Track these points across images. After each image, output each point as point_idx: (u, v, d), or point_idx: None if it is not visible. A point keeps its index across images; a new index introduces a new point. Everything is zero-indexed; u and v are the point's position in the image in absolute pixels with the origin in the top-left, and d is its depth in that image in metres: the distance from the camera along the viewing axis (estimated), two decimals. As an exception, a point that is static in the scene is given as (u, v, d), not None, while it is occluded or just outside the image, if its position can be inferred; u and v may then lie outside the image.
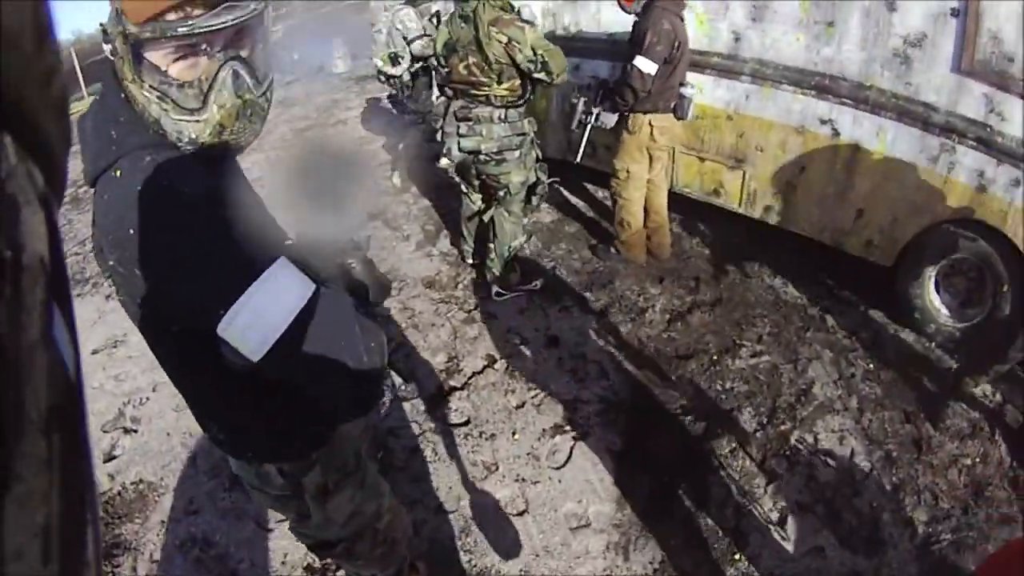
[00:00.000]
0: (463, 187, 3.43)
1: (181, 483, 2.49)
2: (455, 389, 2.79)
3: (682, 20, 3.13)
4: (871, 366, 2.96)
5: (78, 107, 8.80)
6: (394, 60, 4.41)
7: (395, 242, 3.97)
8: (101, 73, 1.02)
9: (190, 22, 0.87)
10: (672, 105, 3.24)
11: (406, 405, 2.72)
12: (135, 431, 2.76)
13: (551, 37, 3.67)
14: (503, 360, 2.94)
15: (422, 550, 2.08)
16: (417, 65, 4.34)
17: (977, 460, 2.62)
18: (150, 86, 0.92)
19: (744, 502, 2.28)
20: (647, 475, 2.39)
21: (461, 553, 2.12)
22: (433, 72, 3.80)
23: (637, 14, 3.17)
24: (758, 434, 2.56)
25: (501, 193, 3.20)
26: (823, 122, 3.19)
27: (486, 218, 3.41)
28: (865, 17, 2.96)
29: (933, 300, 3.23)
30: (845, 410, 2.70)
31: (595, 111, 3.39)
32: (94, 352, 3.29)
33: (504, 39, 2.82)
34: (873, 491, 2.39)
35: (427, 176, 4.60)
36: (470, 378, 2.84)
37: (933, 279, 3.19)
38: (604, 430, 2.57)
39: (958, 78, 2.81)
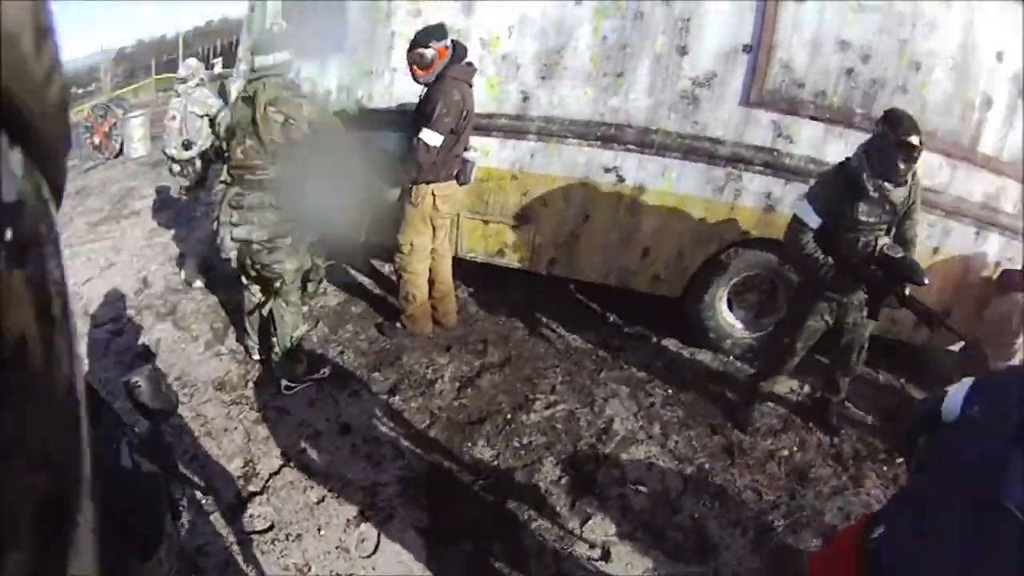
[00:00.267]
0: (243, 279, 3.46)
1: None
2: (255, 494, 2.81)
3: (471, 87, 3.37)
4: (669, 391, 3.40)
5: None
6: (187, 146, 4.46)
7: (184, 344, 3.96)
8: None
9: None
10: (455, 172, 3.44)
11: (211, 519, 2.78)
12: None
13: (343, 112, 3.79)
14: (298, 456, 3.01)
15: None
16: (209, 147, 4.42)
17: (795, 449, 3.12)
18: None
19: (562, 547, 2.51)
20: (459, 545, 2.53)
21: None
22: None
23: (428, 84, 3.35)
24: (563, 480, 2.82)
25: (277, 284, 3.26)
26: (607, 170, 3.61)
27: (265, 311, 3.46)
28: (655, 64, 3.42)
29: (727, 318, 3.79)
30: (649, 438, 3.07)
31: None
32: None
33: (281, 118, 2.95)
34: (692, 504, 2.75)
35: (216, 269, 4.61)
36: (268, 480, 2.88)
37: (725, 299, 3.74)
38: (407, 509, 2.70)
39: (746, 110, 3.39)
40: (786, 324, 3.14)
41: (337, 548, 2.56)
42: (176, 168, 4.61)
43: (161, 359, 3.70)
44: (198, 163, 4.51)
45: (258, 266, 3.25)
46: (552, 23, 3.38)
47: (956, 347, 3.57)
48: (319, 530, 2.64)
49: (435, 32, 3.29)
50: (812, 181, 3.03)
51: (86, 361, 3.60)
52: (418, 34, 3.30)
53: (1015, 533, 1.11)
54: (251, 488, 2.85)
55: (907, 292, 2.74)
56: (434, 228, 3.54)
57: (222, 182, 3.25)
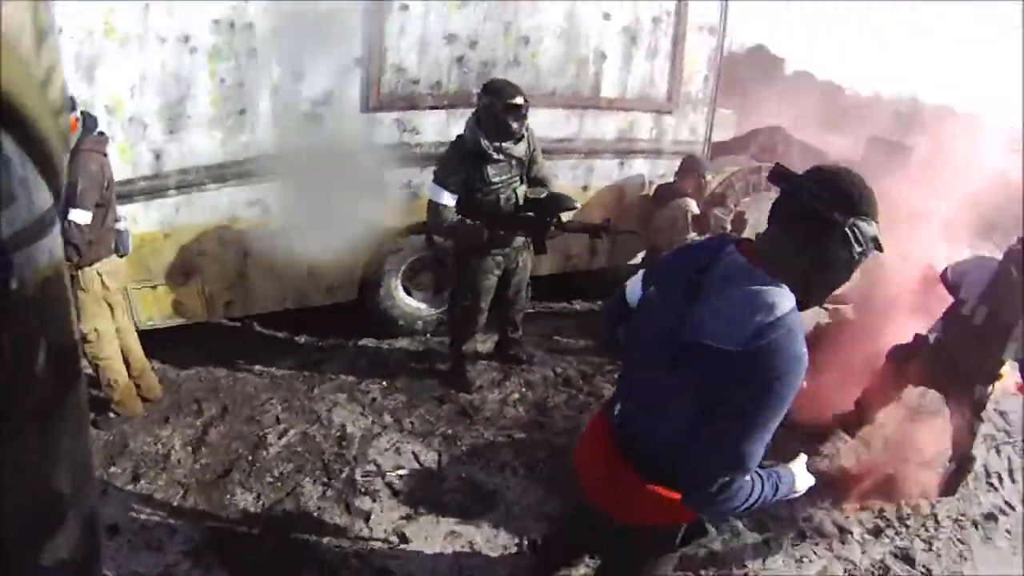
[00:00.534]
0: None
1: None
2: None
3: (106, 156, 3.31)
4: (384, 384, 3.96)
5: None
6: None
7: None
8: None
9: None
10: (113, 245, 3.44)
11: None
12: None
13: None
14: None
15: None
16: None
17: (524, 390, 3.99)
18: None
19: (361, 548, 2.89)
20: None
21: None
22: None
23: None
24: (328, 493, 3.15)
25: None
26: (251, 204, 3.87)
27: None
28: (275, 95, 3.71)
29: (409, 303, 4.46)
30: (385, 428, 3.58)
31: None
32: None
33: None
34: (455, 468, 3.34)
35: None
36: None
37: (400, 287, 4.40)
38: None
39: (368, 116, 3.91)
40: (460, 291, 3.83)
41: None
42: None
43: None
44: None
45: None
46: (171, 76, 3.49)
47: (638, 259, 4.80)
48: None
49: None
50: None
51: None
52: None
53: (696, 374, 1.51)
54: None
55: (563, 220, 3.63)
56: (111, 307, 3.49)
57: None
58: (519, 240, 3.72)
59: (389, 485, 3.26)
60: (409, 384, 4.03)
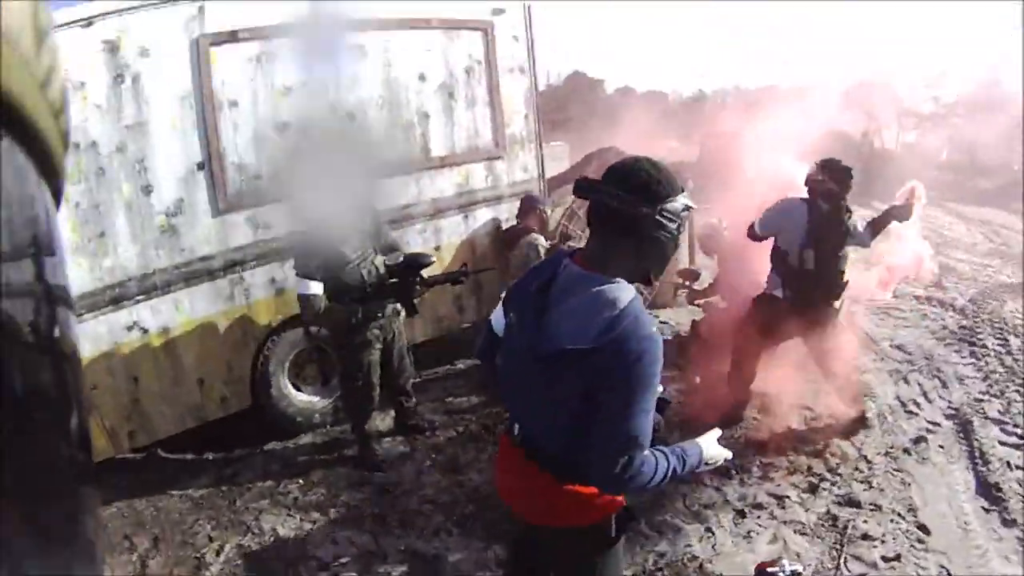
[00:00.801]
0: None
1: None
2: None
3: None
4: (300, 481, 4.27)
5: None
6: None
7: None
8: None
9: None
10: None
11: None
12: None
13: None
14: None
15: None
16: None
17: (434, 456, 4.42)
18: None
19: None
20: None
21: None
22: None
23: None
24: None
25: None
26: (129, 328, 4.06)
27: None
28: (130, 212, 3.95)
29: (301, 398, 4.79)
30: (313, 523, 3.90)
31: None
32: None
33: None
34: (405, 538, 3.72)
35: None
36: None
37: (288, 384, 4.72)
38: None
39: (220, 219, 4.24)
40: (348, 373, 4.17)
41: None
42: None
43: None
44: None
45: None
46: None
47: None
48: None
49: None
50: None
51: None
52: None
53: (568, 378, 1.77)
54: None
55: (425, 277, 4.10)
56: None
57: None
58: (390, 309, 4.16)
59: (336, 576, 3.50)
60: (325, 476, 4.34)
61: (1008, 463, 4.16)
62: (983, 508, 3.81)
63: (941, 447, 4.38)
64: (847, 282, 4.42)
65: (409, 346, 4.62)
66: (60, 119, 0.40)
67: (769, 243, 4.41)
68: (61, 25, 3.67)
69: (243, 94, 4.31)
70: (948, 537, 3.58)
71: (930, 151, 16.35)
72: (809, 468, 4.15)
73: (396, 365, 4.40)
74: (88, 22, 3.78)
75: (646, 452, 1.82)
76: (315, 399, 4.90)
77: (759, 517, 3.77)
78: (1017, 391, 5.03)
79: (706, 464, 2.04)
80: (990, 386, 5.16)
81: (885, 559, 3.43)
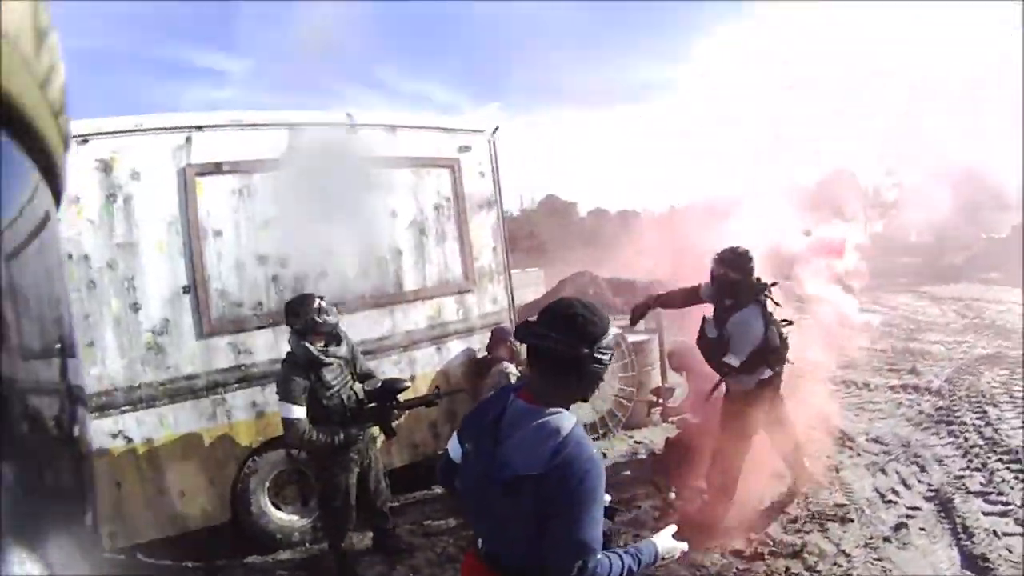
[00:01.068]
0: None
1: None
2: None
3: None
4: None
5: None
6: None
7: None
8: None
9: None
10: None
11: None
12: None
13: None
14: None
15: None
16: None
17: (421, 573, 4.45)
18: None
19: None
20: None
21: None
22: None
23: None
24: None
25: None
26: (114, 436, 4.22)
27: None
28: (117, 326, 4.19)
29: (280, 517, 4.84)
30: None
31: None
32: None
33: None
34: None
35: None
36: None
37: (268, 503, 4.78)
38: None
39: (204, 342, 4.46)
40: (327, 494, 4.27)
41: None
42: None
43: None
44: None
45: None
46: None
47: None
48: None
49: None
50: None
51: None
52: None
53: (523, 500, 1.93)
54: None
55: (401, 399, 4.26)
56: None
57: None
58: (368, 434, 4.33)
59: None
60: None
61: (994, 531, 4.26)
62: (970, 581, 3.80)
63: (922, 529, 4.45)
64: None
65: (386, 470, 4.75)
66: (60, 119, 0.42)
67: None
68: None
69: (227, 224, 4.64)
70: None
71: (898, 236, 17.00)
72: (787, 570, 4.17)
73: (373, 488, 4.50)
74: (84, 139, 4.16)
75: (599, 556, 2.01)
76: (294, 518, 4.95)
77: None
78: (1000, 460, 5.17)
79: (662, 558, 2.26)
80: (970, 461, 5.32)
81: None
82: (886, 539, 4.36)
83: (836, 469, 5.35)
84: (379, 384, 4.35)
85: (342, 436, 4.11)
